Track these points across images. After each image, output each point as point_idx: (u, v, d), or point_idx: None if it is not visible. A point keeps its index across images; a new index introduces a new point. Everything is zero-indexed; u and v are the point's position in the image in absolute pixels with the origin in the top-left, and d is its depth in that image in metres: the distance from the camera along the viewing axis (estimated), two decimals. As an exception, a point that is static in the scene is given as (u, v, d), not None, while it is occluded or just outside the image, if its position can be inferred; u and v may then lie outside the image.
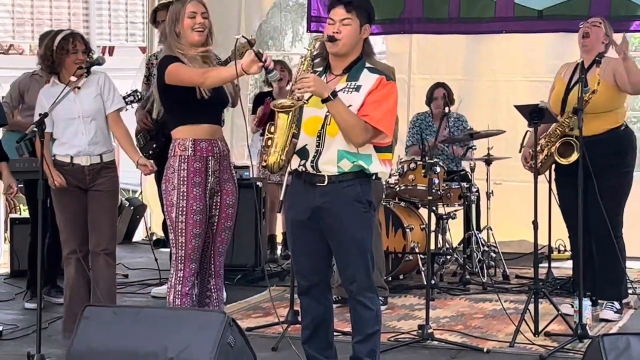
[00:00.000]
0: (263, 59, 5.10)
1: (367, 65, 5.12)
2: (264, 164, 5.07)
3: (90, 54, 6.42)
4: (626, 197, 6.97)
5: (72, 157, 6.25)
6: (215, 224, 5.70)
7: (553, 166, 7.11)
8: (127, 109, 7.34)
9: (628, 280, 7.32)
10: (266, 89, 9.43)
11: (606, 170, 6.63)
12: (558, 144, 6.81)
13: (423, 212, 8.12)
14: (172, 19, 5.57)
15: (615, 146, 6.81)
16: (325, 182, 5.01)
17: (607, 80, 6.72)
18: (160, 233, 9.72)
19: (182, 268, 5.55)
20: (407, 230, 8.01)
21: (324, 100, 4.86)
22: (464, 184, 8.33)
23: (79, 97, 6.24)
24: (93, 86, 6.31)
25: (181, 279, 5.55)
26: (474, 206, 8.59)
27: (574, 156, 6.72)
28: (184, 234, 5.53)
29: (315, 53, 5.22)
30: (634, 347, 4.27)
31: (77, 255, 6.28)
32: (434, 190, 7.50)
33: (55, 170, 6.17)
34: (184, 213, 5.51)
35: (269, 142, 5.00)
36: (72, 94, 6.15)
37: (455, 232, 8.72)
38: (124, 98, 7.27)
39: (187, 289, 5.55)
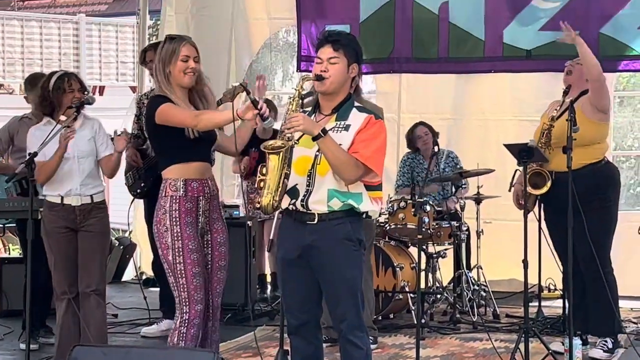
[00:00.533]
0: (259, 107, 5.09)
1: (356, 104, 5.13)
2: (258, 205, 5.03)
3: (86, 92, 6.48)
4: (610, 232, 6.94)
5: (62, 198, 6.26)
6: (210, 263, 5.65)
7: (542, 205, 7.11)
8: None
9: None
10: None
11: (585, 205, 6.56)
12: (529, 175, 6.81)
13: (413, 250, 8.10)
14: (163, 58, 5.54)
15: (595, 181, 6.79)
16: (316, 220, 5.00)
17: (586, 113, 6.72)
18: (149, 272, 9.66)
19: (187, 310, 5.44)
20: (397, 269, 8.00)
21: (315, 138, 4.86)
22: (454, 223, 8.32)
23: (74, 137, 6.27)
24: (88, 129, 6.40)
25: (187, 321, 5.44)
26: (464, 245, 8.57)
27: (546, 187, 6.76)
28: (184, 275, 5.45)
29: (304, 93, 5.24)
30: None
31: (68, 296, 6.26)
32: (424, 229, 7.47)
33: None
34: (181, 254, 5.45)
35: (262, 184, 4.97)
36: None
37: (446, 270, 8.71)
38: None
39: (193, 330, 5.45)
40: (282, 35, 12.68)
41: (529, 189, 6.79)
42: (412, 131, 8.78)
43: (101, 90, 19.03)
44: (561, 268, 7.15)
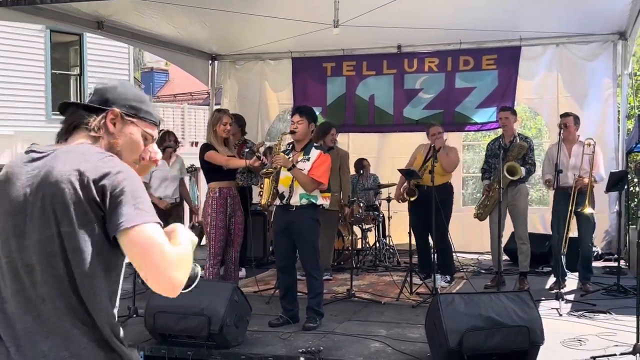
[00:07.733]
0: (262, 159, 5.15)
1: (314, 145, 5.06)
2: (259, 204, 5.01)
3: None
4: (449, 219, 6.66)
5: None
6: (232, 234, 5.53)
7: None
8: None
9: (458, 264, 7.11)
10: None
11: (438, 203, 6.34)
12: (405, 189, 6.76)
13: (355, 228, 7.93)
14: (213, 122, 5.43)
15: (443, 192, 6.52)
16: (294, 208, 4.92)
17: (442, 157, 6.55)
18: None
19: (212, 258, 5.38)
20: (345, 237, 7.82)
21: (289, 169, 4.81)
22: (376, 212, 8.16)
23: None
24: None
25: (212, 265, 5.37)
26: (381, 224, 8.40)
27: (415, 197, 6.64)
28: (213, 239, 5.36)
29: (284, 143, 5.16)
30: (456, 301, 4.12)
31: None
32: (359, 216, 7.34)
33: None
34: (214, 228, 5.35)
35: (261, 193, 4.99)
36: None
37: (371, 238, 8.53)
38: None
39: (215, 270, 5.38)
40: (287, 113, 12.50)
41: (406, 196, 6.66)
42: (360, 163, 8.53)
43: (195, 143, 18.94)
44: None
